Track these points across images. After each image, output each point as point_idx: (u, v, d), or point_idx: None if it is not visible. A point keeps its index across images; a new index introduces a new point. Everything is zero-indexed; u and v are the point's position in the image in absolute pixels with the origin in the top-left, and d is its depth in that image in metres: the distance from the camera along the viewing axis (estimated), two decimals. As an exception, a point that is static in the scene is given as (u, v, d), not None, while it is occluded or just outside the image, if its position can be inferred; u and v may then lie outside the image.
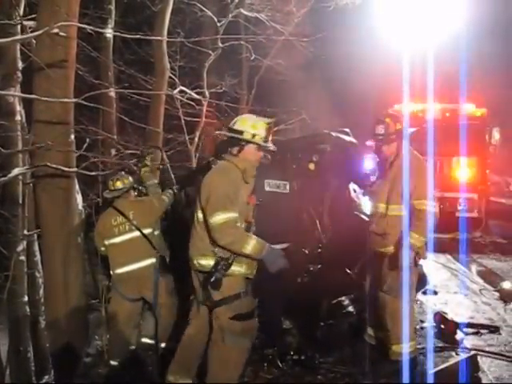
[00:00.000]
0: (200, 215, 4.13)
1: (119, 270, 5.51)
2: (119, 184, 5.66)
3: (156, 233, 5.65)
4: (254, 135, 4.13)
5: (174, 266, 5.73)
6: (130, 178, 5.79)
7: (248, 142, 4.15)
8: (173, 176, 6.40)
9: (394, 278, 4.74)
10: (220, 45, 10.31)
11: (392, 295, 4.74)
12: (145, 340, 5.84)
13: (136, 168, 6.11)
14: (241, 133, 4.15)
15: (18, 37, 6.77)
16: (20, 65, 7.84)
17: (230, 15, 10.52)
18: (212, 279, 4.01)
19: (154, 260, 5.52)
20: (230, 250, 4.00)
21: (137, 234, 5.52)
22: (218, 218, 3.93)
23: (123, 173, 5.87)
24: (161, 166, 6.84)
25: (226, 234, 3.95)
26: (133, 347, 5.71)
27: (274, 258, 4.03)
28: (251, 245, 3.97)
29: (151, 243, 5.53)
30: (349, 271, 5.67)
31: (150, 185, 5.93)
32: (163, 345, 5.61)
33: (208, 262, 4.07)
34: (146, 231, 5.54)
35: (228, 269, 4.03)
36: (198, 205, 4.15)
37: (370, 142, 5.27)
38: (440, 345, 5.54)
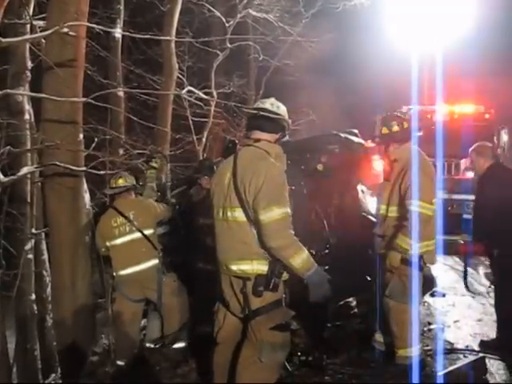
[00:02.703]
0: (238, 213, 3.61)
1: (122, 272, 5.51)
2: (121, 182, 5.66)
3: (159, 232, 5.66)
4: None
5: (179, 267, 5.74)
6: (133, 178, 5.80)
7: (287, 128, 3.82)
8: (169, 194, 6.37)
9: (396, 282, 4.70)
10: (228, 45, 10.32)
11: (395, 300, 4.69)
12: (149, 345, 5.83)
13: (143, 167, 6.13)
14: (284, 117, 3.82)
15: (28, 36, 6.79)
16: (29, 64, 7.87)
17: (239, 16, 10.53)
18: (267, 285, 3.52)
19: (156, 261, 5.51)
20: (277, 254, 3.51)
21: (138, 235, 5.51)
22: (273, 214, 3.45)
23: (126, 172, 5.88)
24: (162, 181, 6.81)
25: (279, 236, 3.48)
26: (138, 347, 5.72)
27: (320, 282, 3.57)
28: (302, 257, 3.50)
29: (153, 244, 5.52)
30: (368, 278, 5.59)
31: (148, 187, 5.94)
32: (171, 346, 5.60)
33: (253, 267, 3.57)
34: (147, 232, 5.53)
35: (283, 273, 3.57)
36: (234, 200, 3.61)
37: (372, 143, 5.23)
38: (448, 347, 5.51)
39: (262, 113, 3.75)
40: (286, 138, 3.90)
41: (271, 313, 3.62)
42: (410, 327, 4.60)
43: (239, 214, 3.61)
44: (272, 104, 3.82)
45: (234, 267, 3.65)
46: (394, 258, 4.67)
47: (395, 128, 4.82)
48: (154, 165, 6.08)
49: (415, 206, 4.47)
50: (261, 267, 3.58)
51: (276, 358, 3.70)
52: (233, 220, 3.64)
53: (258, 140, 3.75)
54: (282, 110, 3.84)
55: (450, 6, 13.19)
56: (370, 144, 5.41)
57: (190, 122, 11.26)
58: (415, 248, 4.51)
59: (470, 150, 5.56)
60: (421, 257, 4.62)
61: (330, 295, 3.62)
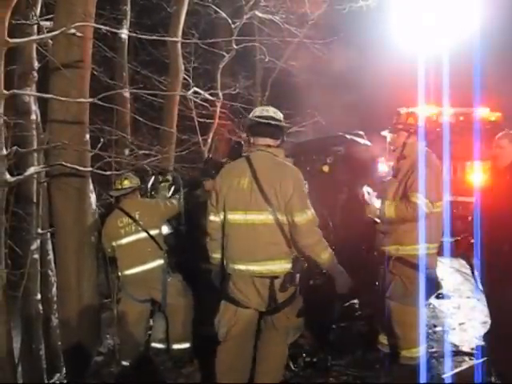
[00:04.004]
0: (265, 216, 3.79)
1: (127, 272, 5.52)
2: (127, 183, 5.68)
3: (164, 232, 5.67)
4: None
5: (184, 267, 5.74)
6: (138, 179, 5.83)
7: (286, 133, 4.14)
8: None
9: (397, 282, 4.69)
10: (234, 46, 10.31)
11: (396, 301, 4.67)
12: (154, 345, 5.83)
13: (153, 176, 6.18)
14: (283, 123, 4.08)
15: (35, 37, 6.82)
16: (36, 65, 7.92)
17: (245, 17, 10.52)
18: (292, 280, 3.84)
19: (161, 261, 5.51)
20: (310, 250, 3.87)
21: (143, 235, 5.51)
22: (307, 216, 3.78)
23: (131, 173, 5.91)
24: None
25: (313, 233, 3.85)
26: (143, 348, 5.73)
27: (345, 276, 4.00)
28: (329, 252, 3.91)
29: (158, 244, 5.53)
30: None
31: (161, 195, 5.96)
32: (176, 346, 5.60)
33: (282, 266, 3.83)
34: (153, 232, 5.54)
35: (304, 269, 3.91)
36: (262, 204, 3.78)
37: (389, 133, 5.22)
38: (453, 349, 5.50)
39: (268, 121, 3.96)
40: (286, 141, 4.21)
41: (294, 302, 3.96)
42: (413, 328, 4.59)
43: (267, 217, 3.80)
44: (275, 112, 4.03)
45: (259, 268, 3.83)
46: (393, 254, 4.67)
47: (400, 118, 4.88)
48: (169, 177, 6.14)
49: (419, 200, 4.46)
50: (288, 266, 3.85)
51: (293, 339, 4.18)
52: (260, 223, 3.81)
53: (264, 145, 3.95)
54: (279, 115, 4.05)
55: (457, 6, 13.15)
56: (386, 134, 5.38)
57: (196, 122, 11.28)
58: (420, 249, 4.52)
59: (499, 136, 5.38)
60: (425, 259, 4.61)
61: (351, 287, 4.00)
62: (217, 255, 4.10)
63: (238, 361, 4.03)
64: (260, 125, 3.98)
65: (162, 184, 6.06)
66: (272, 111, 4.03)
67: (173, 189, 6.13)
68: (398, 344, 4.75)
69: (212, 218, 4.06)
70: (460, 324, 6.31)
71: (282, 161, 3.94)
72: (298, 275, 3.87)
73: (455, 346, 5.61)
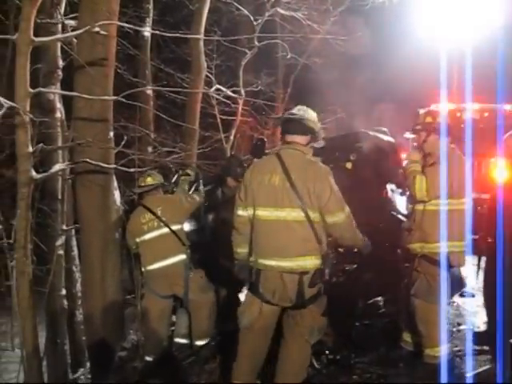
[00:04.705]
0: (298, 213, 3.85)
1: (150, 267, 5.55)
2: (150, 180, 5.75)
3: (187, 228, 5.69)
4: None
5: (206, 263, 5.76)
6: (160, 176, 5.90)
7: (318, 135, 4.15)
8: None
9: (421, 281, 4.67)
10: (256, 43, 10.29)
11: (420, 298, 4.66)
12: (177, 340, 5.85)
13: (177, 173, 6.22)
14: (310, 120, 4.10)
15: (59, 35, 6.88)
16: (61, 63, 8.00)
17: (267, 14, 10.50)
18: (322, 276, 3.94)
19: (184, 256, 5.54)
20: (348, 242, 4.24)
21: (166, 230, 5.55)
22: (344, 215, 3.93)
23: (154, 171, 5.96)
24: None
25: (351, 228, 4.04)
26: (166, 343, 5.76)
27: (367, 243, 4.34)
28: (361, 238, 4.19)
29: (180, 239, 5.56)
30: None
31: (181, 189, 5.98)
32: (198, 342, 5.63)
33: (313, 262, 3.89)
34: (175, 227, 5.56)
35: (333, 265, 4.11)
36: (295, 201, 3.85)
37: (411, 134, 5.25)
38: (478, 348, 5.44)
39: (290, 116, 4.11)
40: (321, 144, 4.42)
41: (319, 300, 4.03)
42: (436, 326, 4.57)
43: (299, 214, 3.86)
44: (299, 109, 4.13)
45: (290, 264, 3.88)
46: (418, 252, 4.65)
47: (438, 119, 4.83)
48: (189, 172, 6.17)
49: (441, 204, 4.47)
50: (318, 262, 3.92)
51: (316, 339, 4.20)
52: (292, 219, 3.87)
53: (293, 143, 4.03)
54: (309, 113, 4.11)
55: (480, 2, 12.99)
56: (408, 135, 5.39)
57: (218, 120, 11.29)
58: (442, 247, 4.48)
59: (507, 135, 5.39)
60: (447, 256, 4.57)
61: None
62: (242, 250, 4.14)
63: (257, 352, 4.17)
64: (289, 122, 4.09)
65: (182, 178, 6.09)
66: (296, 109, 4.14)
67: (194, 186, 6.16)
68: (422, 342, 4.74)
69: (240, 212, 4.08)
70: (484, 323, 6.24)
71: (312, 159, 4.04)
72: (327, 271, 3.95)
73: (479, 344, 5.54)
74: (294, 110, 4.14)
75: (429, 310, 4.60)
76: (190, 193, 5.99)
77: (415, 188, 4.63)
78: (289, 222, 3.87)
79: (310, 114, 4.11)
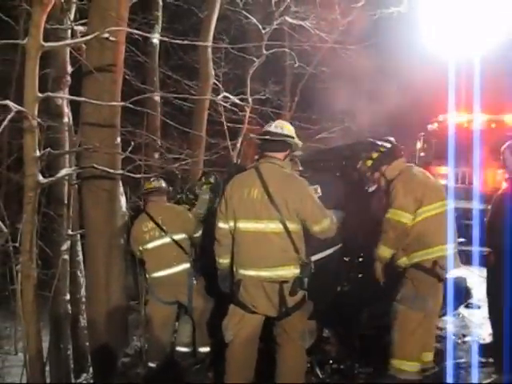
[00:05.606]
0: (276, 225, 3.96)
1: (154, 275, 5.54)
2: (155, 183, 5.74)
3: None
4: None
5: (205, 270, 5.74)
6: (166, 184, 5.87)
7: (295, 148, 4.21)
8: None
9: (408, 285, 4.52)
10: (264, 52, 10.33)
11: (405, 305, 4.48)
12: (179, 349, 5.82)
13: (200, 182, 6.20)
14: (292, 138, 4.16)
15: (69, 41, 6.94)
16: (69, 68, 8.06)
17: (275, 23, 10.54)
18: (302, 285, 4.02)
19: (187, 265, 5.52)
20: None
21: (167, 239, 5.52)
22: (325, 224, 4.07)
23: (160, 178, 5.95)
24: None
25: (330, 232, 4.16)
26: (169, 350, 5.75)
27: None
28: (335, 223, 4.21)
29: (183, 248, 5.54)
30: None
31: (201, 199, 5.95)
32: (202, 349, 5.61)
33: (291, 271, 4.00)
34: (177, 237, 5.53)
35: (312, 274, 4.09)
36: (273, 213, 3.96)
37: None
38: (483, 360, 5.40)
39: (267, 137, 4.15)
40: (299, 153, 4.51)
41: (304, 306, 4.14)
42: (413, 338, 4.40)
43: (278, 226, 3.97)
44: (276, 126, 4.19)
45: (270, 273, 3.99)
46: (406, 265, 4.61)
47: (375, 155, 4.91)
48: (211, 180, 6.14)
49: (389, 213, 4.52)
50: (297, 271, 4.01)
51: (310, 342, 4.23)
52: (271, 231, 3.98)
53: (271, 157, 4.14)
54: (286, 129, 4.19)
55: (489, 12, 12.98)
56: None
57: (225, 127, 11.32)
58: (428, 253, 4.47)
59: (503, 147, 5.39)
60: (434, 263, 4.48)
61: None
62: (224, 260, 4.25)
63: (244, 363, 4.20)
64: (268, 142, 4.16)
65: (204, 187, 6.04)
66: (273, 126, 4.20)
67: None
68: (391, 350, 4.53)
69: (221, 225, 4.18)
70: (490, 334, 6.20)
71: (290, 173, 4.17)
72: (306, 280, 4.04)
73: (484, 356, 5.50)
74: (272, 128, 4.18)
75: (410, 318, 4.43)
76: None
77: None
78: (267, 234, 3.99)
79: (288, 129, 4.19)
